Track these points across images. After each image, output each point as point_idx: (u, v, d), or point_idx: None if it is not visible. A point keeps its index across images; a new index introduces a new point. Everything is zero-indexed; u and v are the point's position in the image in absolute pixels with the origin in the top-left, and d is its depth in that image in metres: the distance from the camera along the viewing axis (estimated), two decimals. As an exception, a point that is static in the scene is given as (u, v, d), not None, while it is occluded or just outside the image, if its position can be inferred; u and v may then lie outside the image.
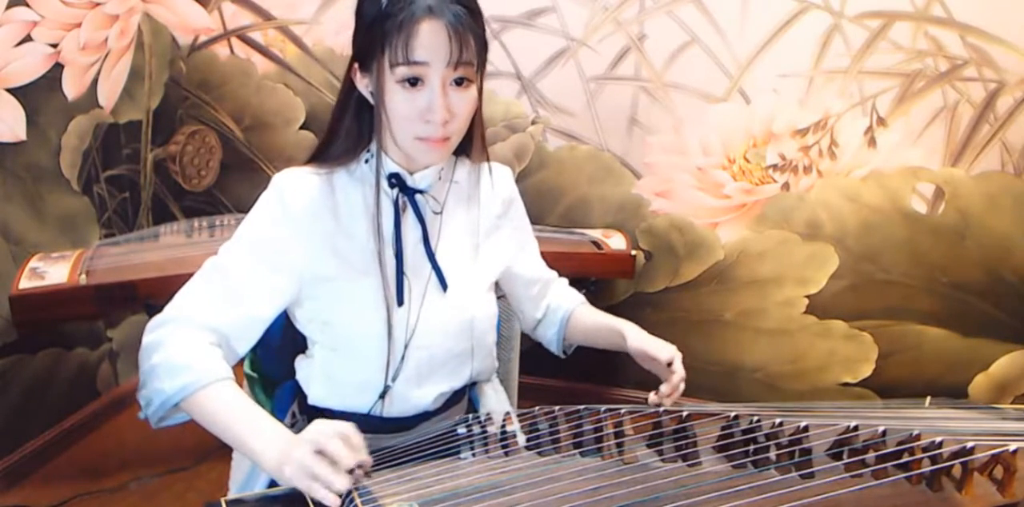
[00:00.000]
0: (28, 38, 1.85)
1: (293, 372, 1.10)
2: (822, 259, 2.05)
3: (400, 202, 0.99)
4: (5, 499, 1.83)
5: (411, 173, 0.99)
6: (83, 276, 1.62)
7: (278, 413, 1.15)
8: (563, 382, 2.29)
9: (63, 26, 1.94)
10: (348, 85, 0.97)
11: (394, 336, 0.99)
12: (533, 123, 2.16)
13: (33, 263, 1.72)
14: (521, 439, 0.93)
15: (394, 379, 1.01)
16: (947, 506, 0.79)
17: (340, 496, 0.77)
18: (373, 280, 0.98)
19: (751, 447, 0.88)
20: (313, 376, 1.05)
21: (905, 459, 0.83)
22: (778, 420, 0.88)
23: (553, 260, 1.26)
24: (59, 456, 2.01)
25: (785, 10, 1.90)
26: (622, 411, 0.93)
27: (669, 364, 1.02)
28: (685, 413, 0.92)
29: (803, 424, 0.88)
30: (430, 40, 0.86)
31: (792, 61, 1.93)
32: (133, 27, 2.20)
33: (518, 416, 0.98)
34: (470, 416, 0.96)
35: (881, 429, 0.85)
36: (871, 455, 0.83)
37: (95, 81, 2.09)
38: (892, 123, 1.92)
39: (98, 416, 2.16)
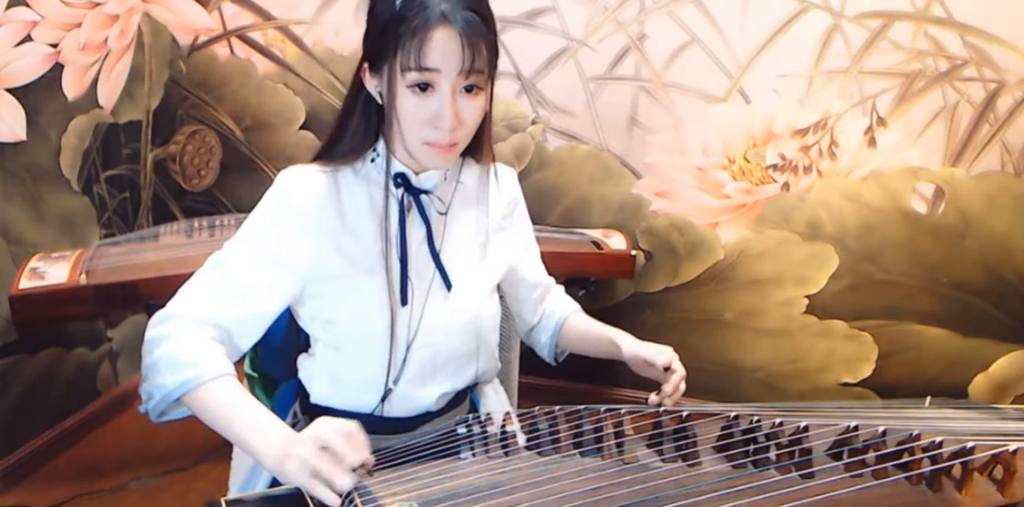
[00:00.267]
0: (28, 38, 1.85)
1: (294, 372, 1.10)
2: (822, 259, 2.05)
3: (405, 202, 0.99)
4: (5, 499, 1.83)
5: (416, 173, 0.99)
6: (83, 276, 1.62)
7: (280, 412, 1.15)
8: (563, 382, 2.29)
9: (63, 26, 1.94)
10: (357, 84, 0.96)
11: (397, 336, 0.99)
12: (533, 123, 2.16)
13: (33, 263, 1.72)
14: (521, 439, 0.93)
15: (396, 379, 1.01)
16: (947, 506, 0.79)
17: (341, 495, 0.77)
18: (378, 279, 0.97)
19: (751, 447, 0.88)
20: (315, 375, 1.05)
21: (905, 459, 0.83)
22: (778, 420, 0.88)
23: (553, 260, 1.26)
24: (59, 456, 2.01)
25: (785, 10, 1.90)
26: (622, 411, 0.93)
27: (667, 368, 1.02)
28: (685, 413, 0.92)
29: (803, 424, 0.88)
30: (442, 47, 0.86)
31: (792, 61, 1.93)
32: (133, 27, 2.20)
33: (518, 416, 0.98)
34: (470, 416, 0.96)
35: (881, 429, 0.85)
36: (871, 455, 0.83)
37: (95, 81, 2.09)
38: (892, 123, 1.92)
39: (98, 416, 2.16)
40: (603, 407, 0.93)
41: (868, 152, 1.96)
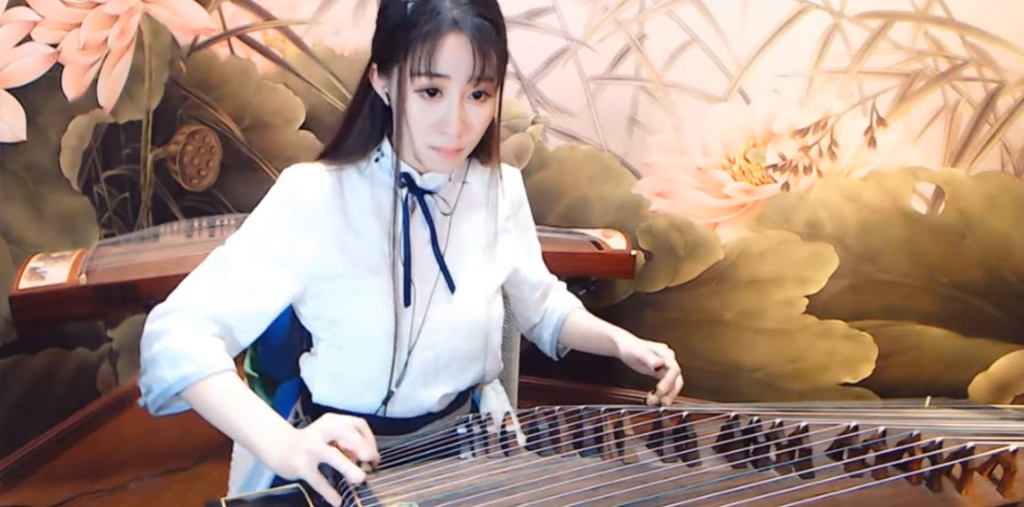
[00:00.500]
0: (28, 38, 1.85)
1: (294, 371, 1.10)
2: (822, 259, 2.05)
3: (409, 202, 0.99)
4: (5, 499, 1.83)
5: (421, 174, 0.99)
6: (83, 276, 1.62)
7: (281, 412, 1.14)
8: (563, 382, 2.29)
9: (63, 26, 1.94)
10: (365, 84, 0.96)
11: (400, 336, 0.98)
12: (533, 123, 2.16)
13: (33, 263, 1.72)
14: (521, 439, 0.93)
15: (399, 380, 1.01)
16: (947, 506, 0.79)
17: (352, 488, 0.76)
18: (381, 279, 0.97)
19: (751, 447, 0.87)
20: (318, 374, 1.05)
21: (905, 459, 0.83)
22: (778, 420, 0.88)
23: (553, 260, 1.26)
24: (59, 456, 2.01)
25: (785, 10, 1.90)
26: (622, 411, 0.93)
27: (660, 367, 1.03)
28: (685, 413, 0.92)
29: (803, 424, 0.88)
30: (453, 54, 0.85)
31: (792, 61, 1.93)
32: (133, 27, 2.20)
33: (518, 416, 0.98)
34: (470, 416, 0.96)
35: (881, 429, 0.85)
36: (871, 455, 0.83)
37: (95, 81, 2.09)
38: (892, 123, 1.92)
39: (98, 416, 2.16)
40: (603, 407, 0.93)
41: (868, 152, 1.96)
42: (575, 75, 2.08)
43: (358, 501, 0.77)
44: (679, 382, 1.02)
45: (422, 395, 1.04)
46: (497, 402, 1.18)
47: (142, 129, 2.32)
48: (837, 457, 0.86)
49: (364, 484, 0.79)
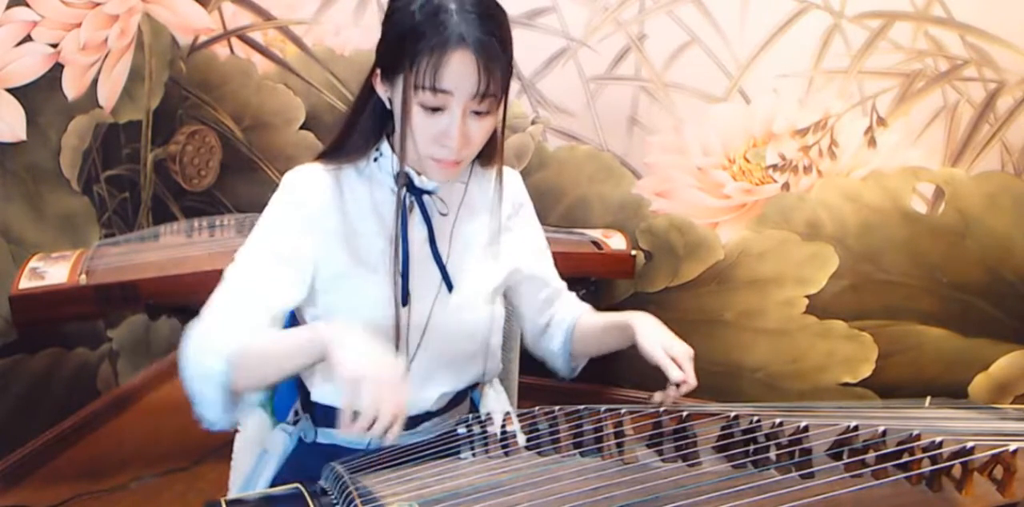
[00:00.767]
0: (28, 38, 1.85)
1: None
2: (822, 259, 2.05)
3: (407, 202, 0.99)
4: (5, 499, 1.83)
5: (419, 174, 0.99)
6: (83, 276, 1.62)
7: (281, 410, 1.15)
8: (563, 382, 2.28)
9: (63, 26, 1.94)
10: (368, 86, 0.96)
11: (399, 335, 0.99)
12: (533, 123, 2.16)
13: (33, 263, 1.72)
14: (521, 439, 0.93)
15: None
16: (947, 506, 0.79)
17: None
18: (378, 278, 0.98)
19: (751, 447, 0.87)
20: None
21: (905, 459, 0.83)
22: (778, 420, 0.88)
23: (553, 260, 1.25)
24: (59, 456, 2.01)
25: (785, 10, 1.90)
26: (622, 411, 0.93)
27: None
28: (685, 413, 0.92)
29: (803, 424, 0.88)
30: (458, 71, 0.85)
31: (792, 61, 1.93)
32: (133, 27, 2.20)
33: (518, 416, 0.98)
34: (470, 416, 0.96)
35: (881, 429, 0.85)
36: (871, 455, 0.83)
37: (95, 81, 2.09)
38: (892, 123, 1.92)
39: (98, 416, 2.16)
40: (603, 407, 0.93)
41: (868, 152, 1.96)
42: (575, 75, 2.08)
43: (358, 501, 0.77)
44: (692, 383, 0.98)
45: (421, 395, 1.04)
46: (497, 402, 1.18)
47: (142, 129, 2.32)
48: (837, 457, 0.86)
49: (364, 484, 0.79)
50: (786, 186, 2.03)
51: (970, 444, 0.79)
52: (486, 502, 0.78)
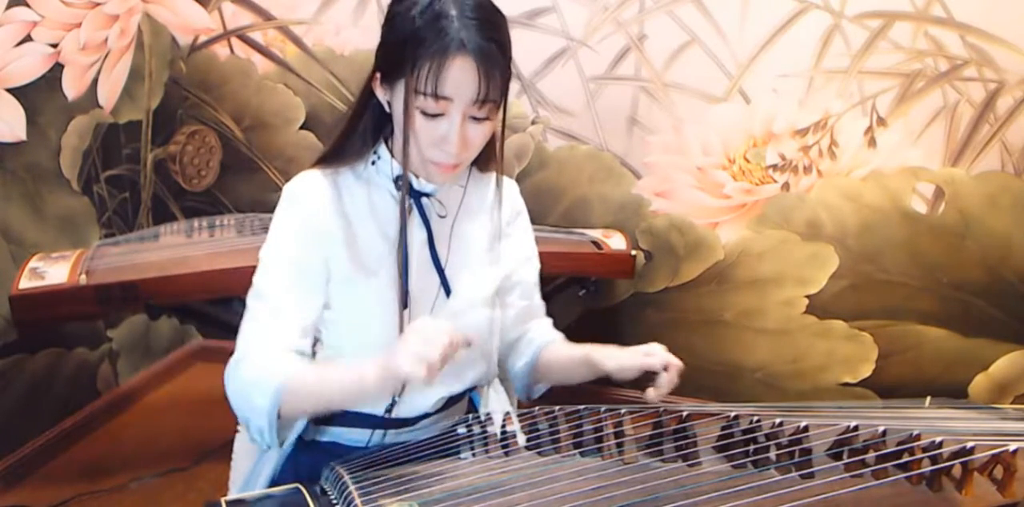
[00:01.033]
0: (28, 38, 1.85)
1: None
2: (822, 259, 2.05)
3: (406, 204, 1.00)
4: (5, 499, 1.83)
5: (418, 176, 0.99)
6: (83, 276, 1.62)
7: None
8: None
9: (63, 26, 1.94)
10: (367, 90, 0.97)
11: (398, 338, 0.99)
12: (533, 123, 2.16)
13: (33, 263, 1.72)
14: (521, 439, 0.93)
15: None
16: (947, 506, 0.79)
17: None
18: (379, 281, 0.98)
19: (751, 447, 0.87)
20: None
21: (905, 459, 0.83)
22: (778, 420, 0.88)
23: (553, 260, 1.25)
24: (59, 456, 2.01)
25: (785, 10, 1.90)
26: (622, 411, 0.93)
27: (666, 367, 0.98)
28: (685, 413, 0.92)
29: (803, 424, 0.87)
30: (458, 77, 0.85)
31: (792, 61, 1.93)
32: (133, 27, 2.20)
33: (518, 416, 0.98)
34: (470, 416, 0.96)
35: (881, 429, 0.84)
36: (871, 455, 0.83)
37: (95, 81, 2.09)
38: (892, 123, 1.92)
39: (98, 416, 2.16)
40: (603, 407, 0.93)
41: (868, 152, 1.96)
42: (575, 75, 2.08)
43: (358, 501, 0.77)
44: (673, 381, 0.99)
45: (421, 397, 1.04)
46: (497, 402, 1.18)
47: (142, 129, 2.32)
48: (837, 457, 0.86)
49: (364, 484, 0.79)
50: (786, 186, 2.03)
51: (970, 444, 0.79)
52: (486, 502, 0.78)
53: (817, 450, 0.86)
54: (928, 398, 1.20)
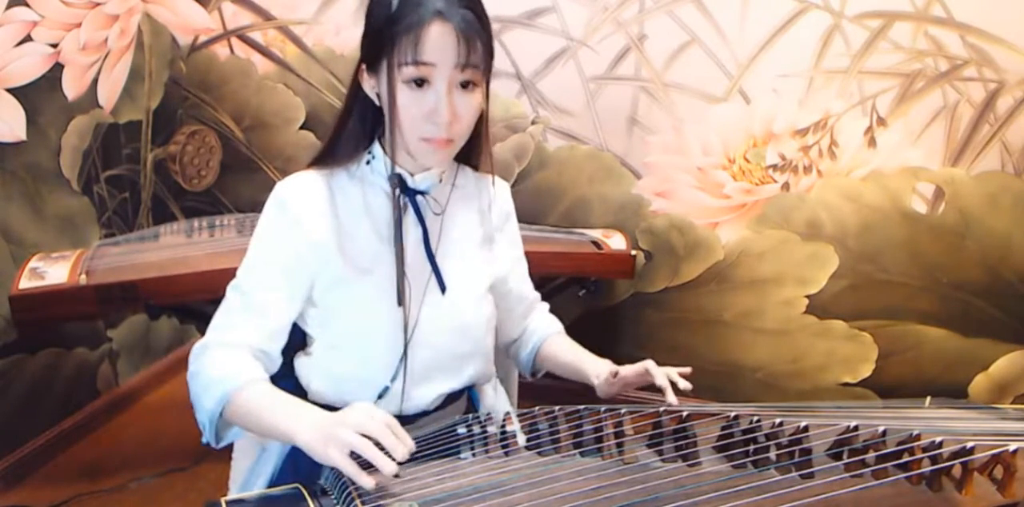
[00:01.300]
0: (28, 38, 1.85)
1: (288, 371, 1.09)
2: (822, 259, 2.05)
3: (401, 203, 1.00)
4: (5, 499, 1.83)
5: (412, 175, 0.99)
6: (83, 276, 1.62)
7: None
8: (563, 382, 2.28)
9: (63, 26, 1.94)
10: (355, 87, 0.97)
11: (395, 335, 0.99)
12: (533, 123, 2.16)
13: (33, 263, 1.72)
14: (521, 439, 0.93)
15: (394, 378, 1.01)
16: (947, 506, 0.79)
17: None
18: (374, 279, 0.98)
19: (751, 447, 0.87)
20: (314, 374, 1.05)
21: (905, 459, 0.83)
22: (778, 420, 0.88)
23: (553, 260, 1.26)
24: (59, 456, 2.01)
25: (785, 10, 1.90)
26: (622, 411, 0.93)
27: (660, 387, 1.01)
28: (685, 413, 0.92)
29: (803, 424, 0.87)
30: (438, 42, 0.87)
31: (792, 61, 1.93)
32: (133, 27, 2.20)
33: (518, 416, 0.98)
34: (470, 416, 0.96)
35: (881, 429, 0.84)
36: (871, 455, 0.83)
37: (95, 81, 2.09)
38: (892, 123, 1.92)
39: (98, 416, 2.16)
40: (603, 407, 0.93)
41: (868, 152, 1.96)
42: (575, 75, 2.08)
43: (358, 501, 0.77)
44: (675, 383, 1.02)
45: (417, 394, 1.04)
46: (497, 402, 1.18)
47: (142, 129, 2.32)
48: (837, 457, 0.86)
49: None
50: (786, 186, 2.03)
51: (970, 444, 0.79)
52: (486, 502, 0.78)
53: (817, 450, 0.86)
54: (928, 398, 1.20)
